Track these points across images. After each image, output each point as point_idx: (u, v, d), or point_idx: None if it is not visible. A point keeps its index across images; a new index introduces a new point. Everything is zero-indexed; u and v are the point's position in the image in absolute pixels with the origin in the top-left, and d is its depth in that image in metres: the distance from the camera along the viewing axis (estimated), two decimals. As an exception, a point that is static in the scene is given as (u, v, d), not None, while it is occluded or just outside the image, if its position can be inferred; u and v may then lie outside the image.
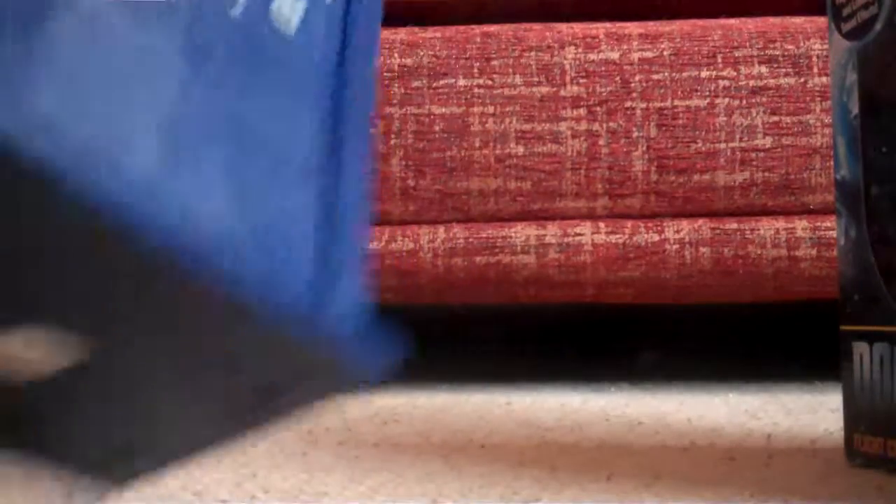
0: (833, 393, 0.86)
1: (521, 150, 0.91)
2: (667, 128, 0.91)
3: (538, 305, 0.93)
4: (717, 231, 0.89)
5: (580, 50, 0.92)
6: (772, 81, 0.91)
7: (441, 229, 0.90)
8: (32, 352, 0.29)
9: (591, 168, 0.91)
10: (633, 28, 0.94)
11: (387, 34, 0.94)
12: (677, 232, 0.89)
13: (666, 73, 0.91)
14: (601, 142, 0.91)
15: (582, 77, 0.92)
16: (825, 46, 0.91)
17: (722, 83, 0.91)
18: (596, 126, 0.91)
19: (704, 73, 0.91)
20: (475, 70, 0.92)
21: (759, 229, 0.89)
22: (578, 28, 0.94)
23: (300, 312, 0.30)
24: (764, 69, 0.91)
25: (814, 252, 0.88)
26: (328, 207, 0.31)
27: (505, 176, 0.91)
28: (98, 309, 0.27)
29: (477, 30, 0.94)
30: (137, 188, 0.24)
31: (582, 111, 0.91)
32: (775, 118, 0.90)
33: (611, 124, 0.91)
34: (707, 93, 0.91)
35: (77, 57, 0.23)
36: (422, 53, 0.93)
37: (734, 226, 0.89)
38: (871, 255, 0.54)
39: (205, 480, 0.53)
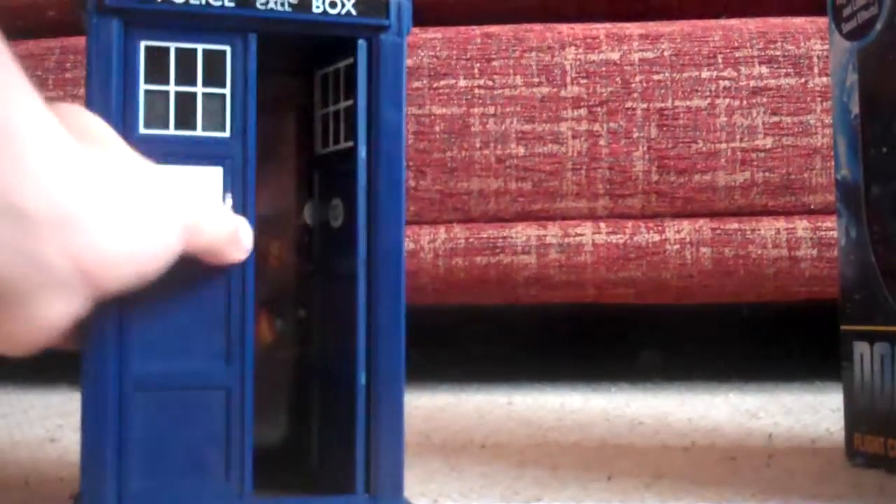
0: (834, 393, 0.86)
1: (521, 150, 0.91)
2: (667, 128, 0.91)
3: (539, 305, 0.93)
4: (718, 231, 0.89)
5: (581, 50, 0.93)
6: (772, 82, 0.91)
7: (442, 229, 0.90)
8: None
9: (591, 168, 0.91)
10: (633, 28, 0.94)
11: (387, 35, 0.94)
12: (678, 232, 0.89)
13: (666, 74, 0.91)
14: (602, 142, 0.91)
15: (582, 77, 0.92)
16: (826, 47, 0.91)
17: (722, 83, 0.91)
18: (596, 126, 0.91)
19: (705, 74, 0.91)
20: (476, 71, 0.92)
21: (759, 229, 0.89)
22: (579, 29, 0.94)
23: None
24: (764, 69, 0.91)
25: (814, 252, 0.88)
26: None
27: (505, 176, 0.91)
28: None
29: (477, 30, 0.94)
30: None
31: (582, 111, 0.91)
32: (776, 118, 0.90)
33: (611, 125, 0.91)
34: (708, 93, 0.91)
35: None
36: (422, 54, 0.93)
37: (735, 226, 0.89)
38: (871, 255, 0.54)
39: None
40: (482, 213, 0.91)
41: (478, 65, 0.93)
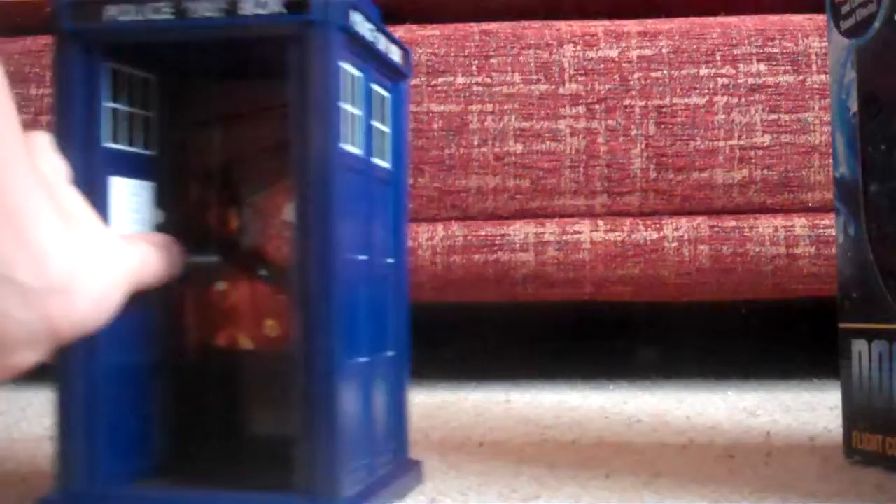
0: (832, 391, 0.86)
1: (519, 147, 0.91)
2: (665, 125, 0.91)
3: (537, 303, 0.93)
4: (716, 229, 0.89)
5: (579, 47, 0.92)
6: (770, 79, 0.91)
7: (440, 227, 0.90)
8: None
9: (589, 166, 0.91)
10: (632, 26, 0.94)
11: (385, 32, 0.94)
12: (676, 229, 0.89)
13: (665, 71, 0.91)
14: (600, 139, 0.91)
15: (581, 75, 0.92)
16: (824, 44, 0.91)
17: (721, 81, 0.91)
18: (595, 124, 0.91)
19: (703, 71, 0.91)
20: (474, 68, 0.92)
21: (757, 227, 0.89)
22: (577, 26, 0.94)
23: None
24: (763, 67, 0.91)
25: (812, 250, 0.88)
26: None
27: (504, 174, 0.91)
28: None
29: (476, 27, 0.94)
30: None
31: (581, 109, 0.91)
32: (774, 116, 0.90)
33: (609, 122, 0.91)
34: (706, 90, 0.91)
35: None
36: (420, 51, 0.93)
37: (733, 223, 0.89)
38: (869, 253, 0.54)
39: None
40: (480, 210, 0.91)
41: (476, 62, 0.93)
